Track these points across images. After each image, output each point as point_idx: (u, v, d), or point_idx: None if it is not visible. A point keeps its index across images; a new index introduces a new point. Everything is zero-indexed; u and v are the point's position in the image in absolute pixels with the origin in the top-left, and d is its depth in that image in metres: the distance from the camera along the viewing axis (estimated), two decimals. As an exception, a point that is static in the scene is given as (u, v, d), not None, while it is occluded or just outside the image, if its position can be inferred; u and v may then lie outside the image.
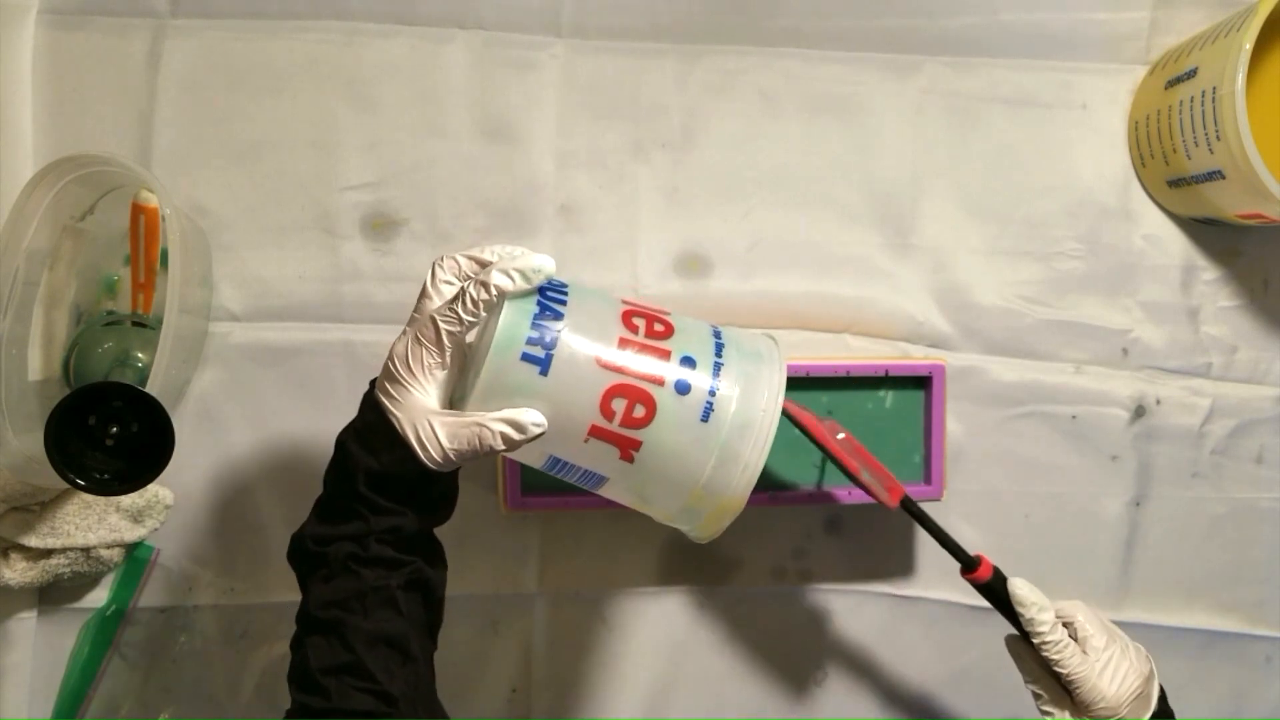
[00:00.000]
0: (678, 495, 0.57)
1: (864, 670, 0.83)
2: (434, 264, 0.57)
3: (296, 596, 0.77)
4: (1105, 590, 0.84)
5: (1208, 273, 0.83)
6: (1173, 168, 0.78)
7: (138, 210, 0.71)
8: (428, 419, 0.54)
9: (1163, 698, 0.66)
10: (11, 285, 0.67)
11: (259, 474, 0.77)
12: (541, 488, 0.75)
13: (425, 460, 0.54)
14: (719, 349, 0.58)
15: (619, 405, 0.55)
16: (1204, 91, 0.72)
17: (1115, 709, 0.63)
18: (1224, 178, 0.73)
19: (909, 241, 0.81)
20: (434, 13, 0.77)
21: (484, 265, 0.57)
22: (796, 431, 0.74)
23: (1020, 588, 0.67)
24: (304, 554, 0.57)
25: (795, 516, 0.81)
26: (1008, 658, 0.84)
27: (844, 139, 0.81)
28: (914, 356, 0.81)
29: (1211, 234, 0.83)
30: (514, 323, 0.55)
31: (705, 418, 0.56)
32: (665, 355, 0.56)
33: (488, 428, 0.53)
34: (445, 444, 0.54)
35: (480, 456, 0.54)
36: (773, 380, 0.58)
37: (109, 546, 0.73)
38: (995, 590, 0.68)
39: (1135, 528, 0.84)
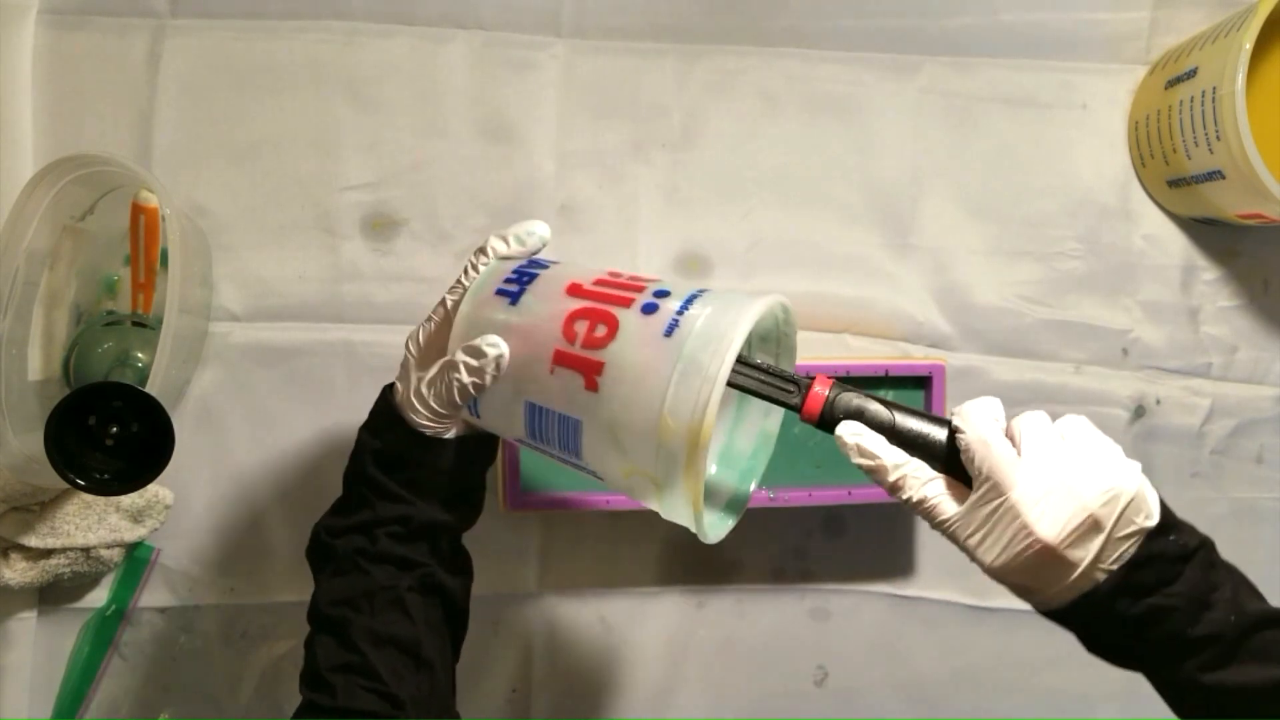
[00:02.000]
0: (646, 427, 0.53)
1: (864, 670, 0.83)
2: (468, 259, 0.59)
3: (296, 596, 0.78)
4: (1105, 590, 0.84)
5: (1208, 273, 0.83)
6: (1173, 168, 0.78)
7: (138, 210, 0.71)
8: (415, 384, 0.55)
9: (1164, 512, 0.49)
10: (11, 285, 0.67)
11: (259, 474, 0.77)
12: (541, 488, 0.75)
13: (414, 419, 0.55)
14: (701, 290, 0.55)
15: (580, 327, 0.54)
16: (1204, 91, 0.72)
17: (998, 577, 0.48)
18: (1224, 178, 0.73)
19: (909, 241, 0.81)
20: (434, 13, 0.77)
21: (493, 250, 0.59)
22: (795, 431, 0.74)
23: (845, 436, 0.52)
24: (317, 546, 0.57)
25: (795, 516, 0.81)
26: (1007, 658, 0.84)
27: (844, 139, 0.81)
28: (914, 356, 0.81)
29: (1211, 234, 0.83)
30: (497, 267, 0.57)
31: (669, 333, 0.53)
32: (639, 289, 0.55)
33: (452, 360, 0.54)
34: (430, 399, 0.54)
35: (460, 399, 0.54)
36: (751, 304, 0.53)
37: (109, 546, 0.73)
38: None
39: (1135, 528, 0.84)
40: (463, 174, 0.78)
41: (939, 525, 0.50)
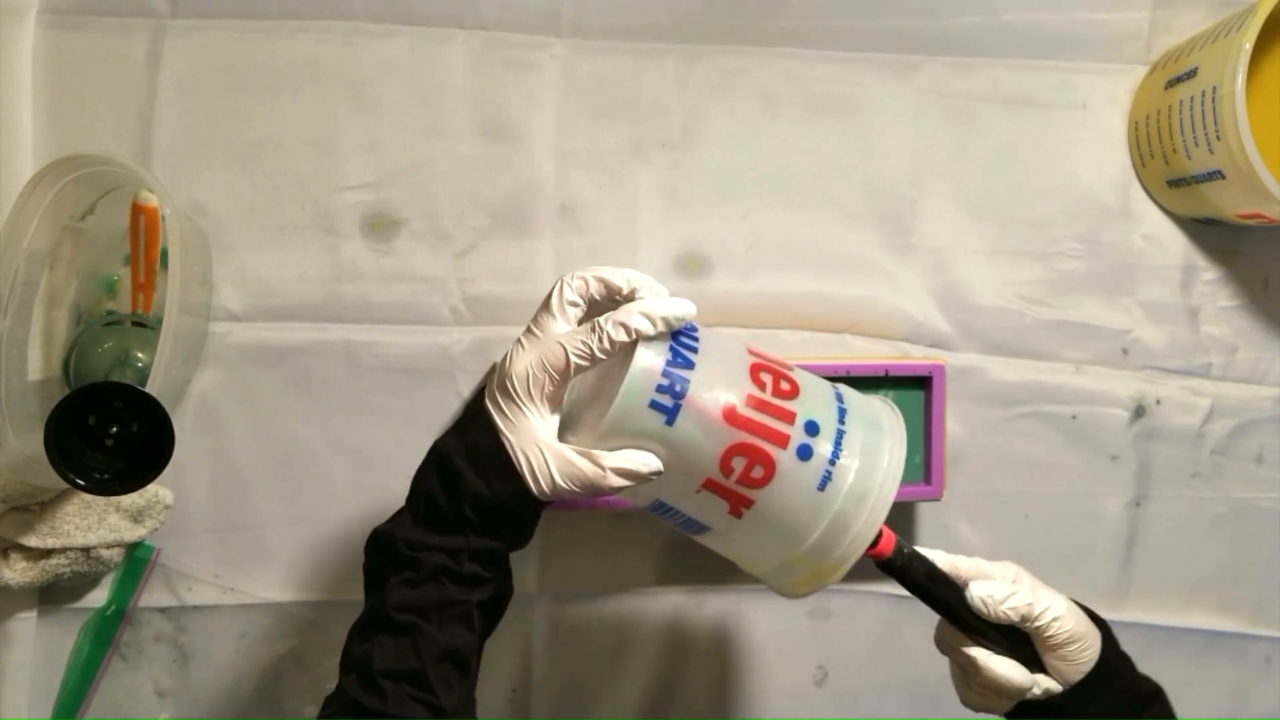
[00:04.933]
0: (777, 553, 0.58)
1: (864, 670, 0.83)
2: (561, 281, 0.57)
3: (296, 596, 0.78)
4: (1105, 590, 0.84)
5: (1208, 273, 0.83)
6: (1173, 168, 0.78)
7: (138, 210, 0.71)
8: (540, 449, 0.54)
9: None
10: (11, 285, 0.67)
11: (259, 474, 0.77)
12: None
13: (534, 491, 0.54)
14: (841, 415, 0.58)
15: (738, 463, 0.55)
16: (1204, 91, 0.72)
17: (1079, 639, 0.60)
18: (1224, 178, 0.73)
19: (909, 241, 0.81)
20: (434, 13, 0.77)
21: (611, 289, 0.57)
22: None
23: (979, 593, 0.61)
24: (393, 555, 0.55)
25: (795, 516, 0.81)
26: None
27: (844, 139, 0.81)
28: (914, 356, 0.80)
29: (1211, 234, 0.83)
30: (646, 368, 0.54)
31: (822, 486, 0.55)
32: (790, 418, 0.56)
33: (602, 468, 0.54)
34: (557, 478, 0.54)
35: (595, 494, 0.54)
36: (894, 455, 0.57)
37: (109, 546, 0.73)
38: (909, 576, 0.62)
39: (1135, 528, 0.84)
40: (463, 174, 0.78)
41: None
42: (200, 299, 0.75)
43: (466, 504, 0.54)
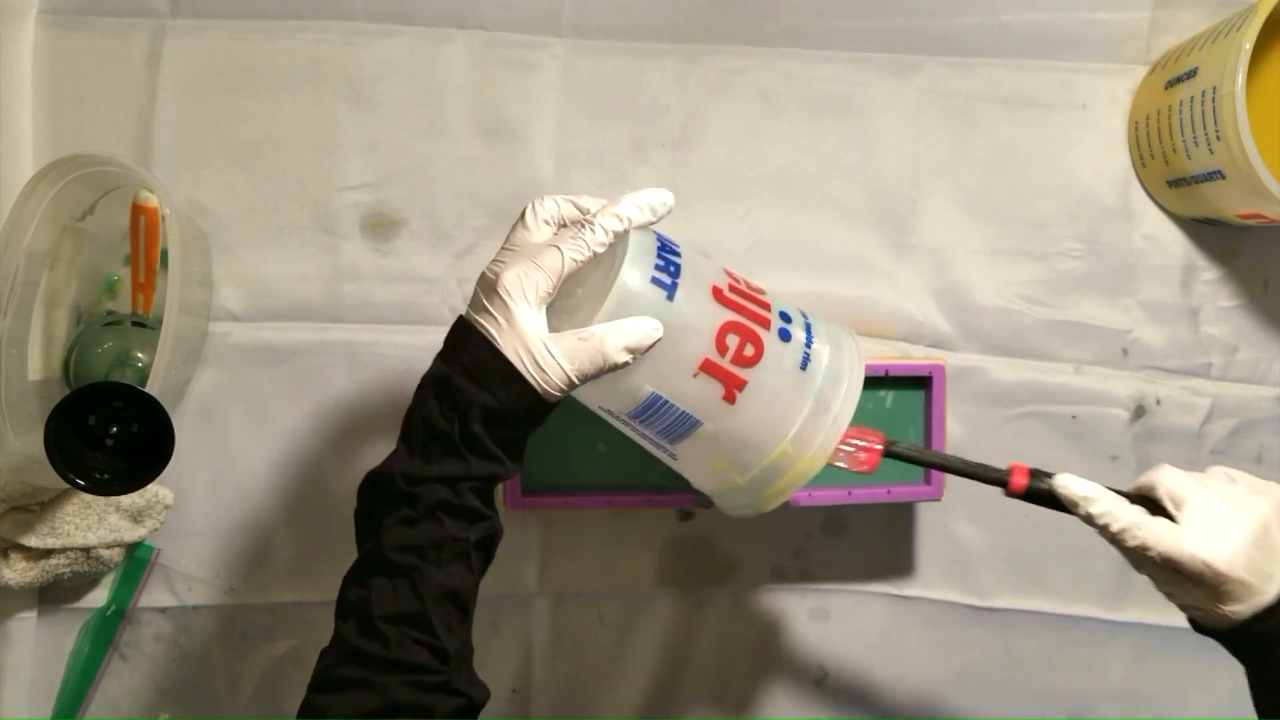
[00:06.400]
0: (765, 447, 0.58)
1: (864, 670, 0.83)
2: (532, 202, 0.56)
3: (296, 596, 0.78)
4: (1105, 590, 0.83)
5: (1208, 273, 0.83)
6: (1173, 168, 0.78)
7: (138, 210, 0.71)
8: (541, 343, 0.52)
9: None
10: (11, 285, 0.67)
11: (259, 474, 0.77)
12: (541, 488, 0.75)
13: (545, 385, 0.52)
14: (804, 314, 0.61)
15: (732, 341, 0.56)
16: (1204, 91, 0.72)
17: (1228, 573, 0.53)
18: (1224, 178, 0.73)
19: (909, 241, 0.81)
20: (434, 13, 0.77)
21: (581, 209, 0.57)
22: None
23: (1065, 485, 0.58)
24: (391, 491, 0.53)
25: (795, 517, 0.81)
26: (1007, 658, 0.84)
27: (844, 139, 0.81)
28: (914, 356, 0.80)
29: (1211, 234, 0.83)
30: (644, 247, 0.56)
31: (804, 366, 0.58)
32: (766, 306, 0.59)
33: (606, 338, 0.52)
34: (565, 365, 0.52)
35: (600, 374, 0.53)
36: (854, 347, 0.61)
37: (109, 546, 0.73)
38: (1043, 496, 0.60)
39: (1135, 528, 0.84)
40: (463, 174, 0.78)
41: (1158, 542, 0.55)
42: (200, 299, 0.75)
43: (474, 419, 0.52)
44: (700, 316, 0.56)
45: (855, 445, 0.61)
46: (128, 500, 0.73)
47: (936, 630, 0.83)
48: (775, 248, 0.80)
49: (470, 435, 0.52)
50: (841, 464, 0.61)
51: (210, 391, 0.76)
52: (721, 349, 0.56)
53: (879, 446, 0.61)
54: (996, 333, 0.82)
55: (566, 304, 0.56)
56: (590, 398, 0.59)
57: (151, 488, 0.74)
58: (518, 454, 0.55)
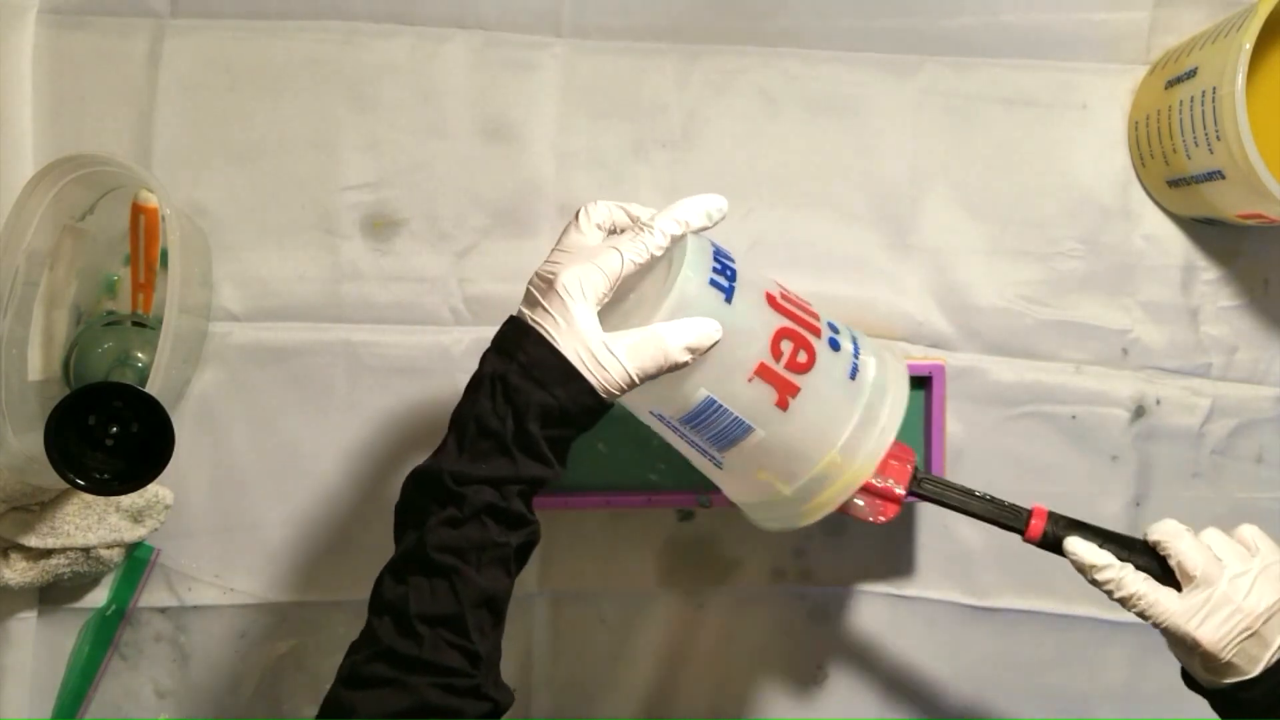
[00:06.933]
0: (813, 457, 0.58)
1: (864, 670, 0.83)
2: (584, 206, 0.57)
3: (296, 596, 0.78)
4: (1105, 590, 0.84)
5: (1208, 273, 0.83)
6: (1173, 168, 0.78)
7: (138, 210, 0.71)
8: (602, 344, 0.52)
9: None
10: (11, 285, 0.67)
11: (259, 474, 0.77)
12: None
13: (605, 383, 0.52)
14: (849, 328, 0.62)
15: (786, 347, 0.56)
16: (1204, 91, 0.72)
17: (1217, 656, 0.56)
18: (1224, 178, 0.73)
19: (909, 241, 0.81)
20: (434, 13, 0.77)
21: (632, 216, 0.57)
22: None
23: (1074, 551, 0.61)
24: (437, 490, 0.52)
25: (795, 516, 0.81)
26: (1007, 658, 0.84)
27: (844, 139, 0.81)
28: (914, 356, 0.80)
29: (1211, 234, 0.83)
30: (702, 250, 0.56)
31: (852, 376, 0.59)
32: (815, 315, 0.60)
33: (667, 337, 0.52)
34: (626, 363, 0.52)
35: (660, 373, 0.53)
36: (898, 361, 0.62)
37: (109, 546, 0.73)
38: (1057, 548, 0.62)
39: (1135, 528, 0.84)
40: (463, 174, 0.78)
41: (1157, 614, 0.58)
42: (200, 299, 0.75)
43: (531, 417, 0.52)
44: (757, 321, 0.56)
45: (875, 489, 0.61)
46: (128, 500, 0.73)
47: (936, 630, 0.83)
48: (775, 247, 0.80)
49: (524, 434, 0.52)
50: (859, 513, 0.62)
51: (210, 391, 0.76)
52: (776, 354, 0.56)
53: (901, 491, 0.61)
54: (996, 333, 0.82)
55: (619, 308, 0.56)
56: (642, 402, 0.59)
57: (151, 488, 0.74)
58: (564, 458, 0.55)
